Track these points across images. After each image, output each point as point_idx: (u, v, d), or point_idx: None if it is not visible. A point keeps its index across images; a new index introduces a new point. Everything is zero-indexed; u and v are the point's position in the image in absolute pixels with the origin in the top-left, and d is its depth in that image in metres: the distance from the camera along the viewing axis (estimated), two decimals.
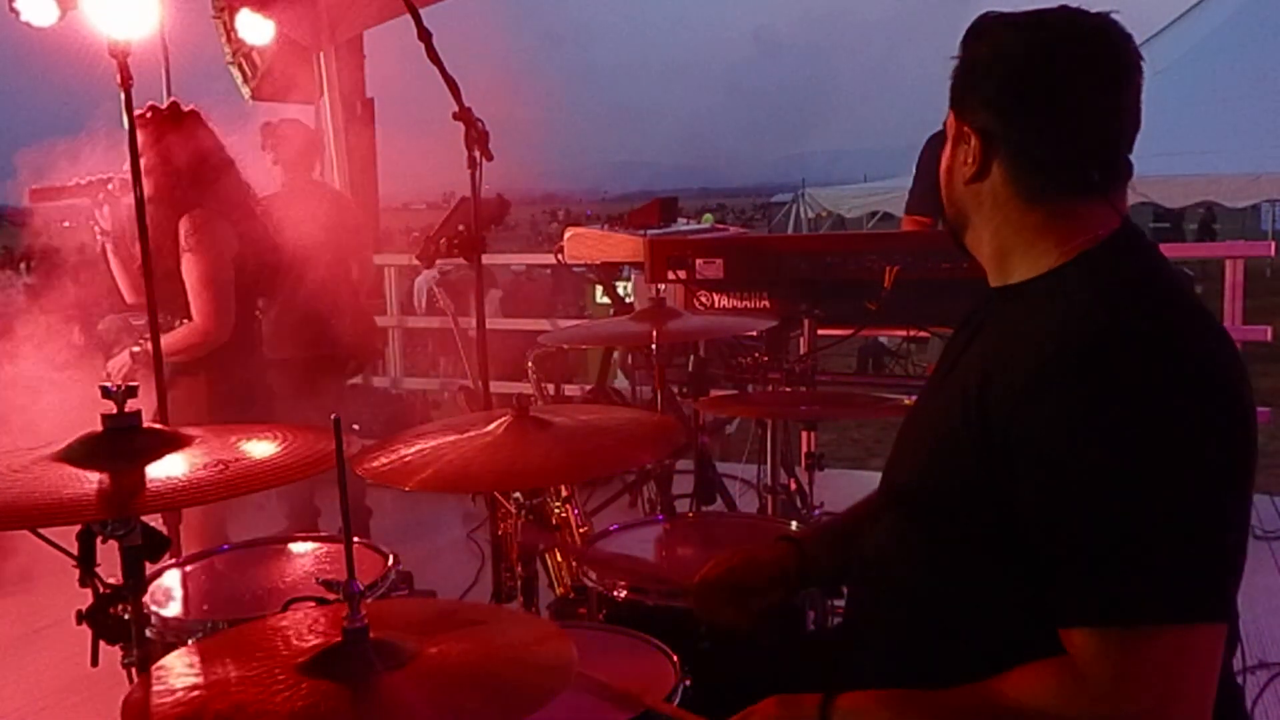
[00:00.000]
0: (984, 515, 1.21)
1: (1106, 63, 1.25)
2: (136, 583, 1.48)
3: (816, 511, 2.83)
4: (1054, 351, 1.15)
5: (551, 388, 3.40)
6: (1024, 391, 1.16)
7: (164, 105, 2.92)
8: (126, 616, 1.51)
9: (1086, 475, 1.11)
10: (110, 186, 2.86)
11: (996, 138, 1.28)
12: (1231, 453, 1.13)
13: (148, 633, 1.61)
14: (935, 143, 3.75)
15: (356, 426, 4.70)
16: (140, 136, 2.63)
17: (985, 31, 1.30)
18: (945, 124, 1.38)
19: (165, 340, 2.78)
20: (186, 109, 2.95)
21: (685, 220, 5.05)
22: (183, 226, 2.78)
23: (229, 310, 2.82)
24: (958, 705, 1.19)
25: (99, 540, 1.46)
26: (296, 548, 2.07)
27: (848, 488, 3.90)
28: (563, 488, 2.50)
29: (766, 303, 3.40)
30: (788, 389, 3.09)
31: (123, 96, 2.55)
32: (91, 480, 1.38)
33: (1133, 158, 1.30)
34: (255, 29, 4.87)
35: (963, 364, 1.34)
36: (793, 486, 3.37)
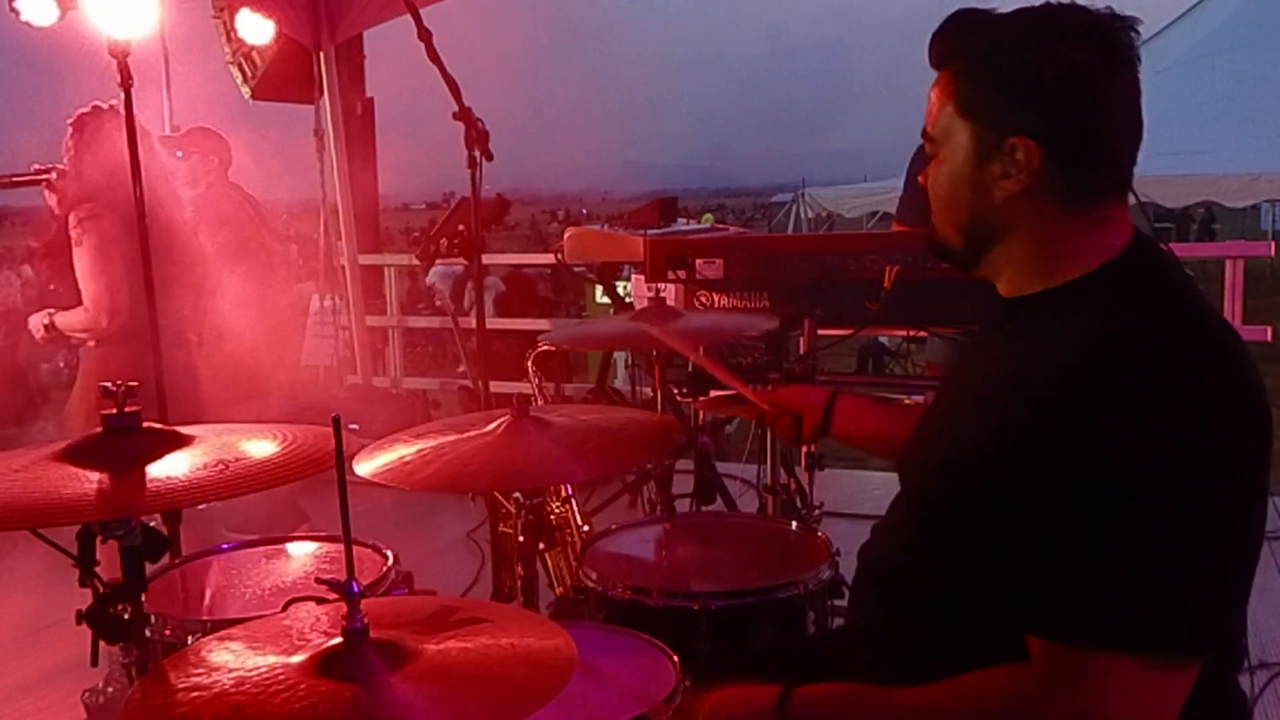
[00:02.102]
0: (995, 524, 1.20)
1: (1133, 67, 1.24)
2: (136, 583, 1.47)
3: (816, 512, 2.83)
4: (1088, 367, 1.13)
5: (551, 388, 3.41)
6: (1047, 407, 1.14)
7: (87, 110, 3.03)
8: (126, 616, 1.51)
9: (1092, 496, 1.09)
10: (52, 176, 3.04)
11: (1052, 144, 1.22)
12: (1252, 473, 1.12)
13: (148, 633, 1.61)
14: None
15: (355, 426, 4.71)
16: (66, 142, 2.91)
17: (1013, 32, 1.24)
18: (938, 138, 1.30)
19: (62, 319, 3.01)
20: (106, 106, 3.02)
21: (685, 220, 5.05)
22: (70, 221, 2.92)
23: (120, 298, 2.93)
24: (912, 703, 1.19)
25: (99, 540, 1.46)
26: (296, 548, 2.06)
27: (848, 488, 3.91)
28: (563, 488, 2.50)
29: (766, 303, 3.39)
30: None
31: (123, 96, 2.55)
32: (91, 480, 1.38)
33: None
34: (255, 29, 4.88)
35: (981, 372, 1.33)
36: (793, 486, 3.37)
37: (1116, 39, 1.22)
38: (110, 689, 1.67)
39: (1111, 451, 1.08)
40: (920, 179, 1.38)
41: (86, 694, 1.74)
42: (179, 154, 4.14)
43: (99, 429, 1.48)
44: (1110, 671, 1.07)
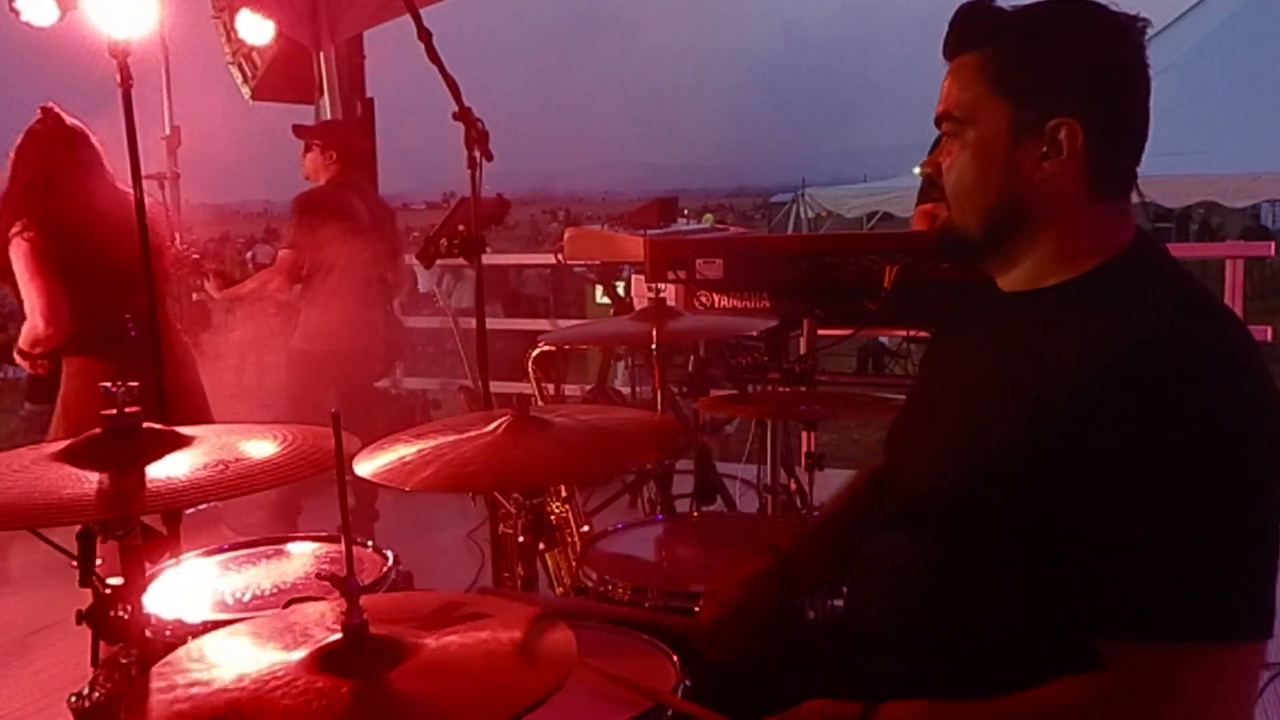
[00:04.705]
0: (1023, 526, 1.19)
1: (1148, 69, 1.26)
2: (136, 583, 1.48)
3: (816, 512, 2.83)
4: (1118, 361, 1.13)
5: (551, 388, 3.40)
6: (1083, 400, 1.13)
7: (37, 120, 3.06)
8: (126, 616, 1.51)
9: (1153, 488, 1.09)
10: None
11: (1093, 128, 1.22)
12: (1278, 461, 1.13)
13: (147, 633, 1.61)
14: None
15: None
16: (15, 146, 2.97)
17: (1054, 19, 1.25)
18: (964, 118, 1.28)
19: (21, 340, 3.05)
20: (52, 114, 3.06)
21: (685, 220, 5.06)
22: (8, 235, 2.96)
23: (57, 304, 2.97)
24: (998, 717, 1.18)
25: (99, 540, 1.46)
26: (296, 548, 2.07)
27: None
28: (563, 488, 2.50)
29: (766, 303, 3.39)
30: (788, 389, 3.08)
31: (122, 96, 2.55)
32: (91, 480, 1.38)
33: None
34: (255, 29, 4.87)
35: (988, 368, 1.31)
36: (793, 486, 3.37)
37: (1141, 39, 1.25)
38: (96, 693, 1.67)
39: (1174, 439, 1.09)
40: (924, 166, 1.35)
41: (73, 698, 1.73)
42: (304, 149, 4.08)
43: (98, 429, 1.48)
44: (1201, 662, 1.08)
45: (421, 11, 2.43)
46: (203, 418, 3.17)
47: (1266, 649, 1.11)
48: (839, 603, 1.87)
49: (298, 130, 4.14)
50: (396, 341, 4.54)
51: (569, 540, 2.52)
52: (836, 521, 1.67)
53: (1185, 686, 1.08)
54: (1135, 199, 1.32)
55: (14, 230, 2.96)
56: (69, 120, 3.06)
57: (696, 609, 1.68)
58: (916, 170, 1.39)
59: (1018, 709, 1.17)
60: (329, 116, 5.81)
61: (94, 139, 3.08)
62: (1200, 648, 1.08)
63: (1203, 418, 1.09)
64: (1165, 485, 1.09)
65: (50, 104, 3.07)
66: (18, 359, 3.15)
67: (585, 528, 2.55)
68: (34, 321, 2.98)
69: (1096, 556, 1.12)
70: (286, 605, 1.58)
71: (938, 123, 1.33)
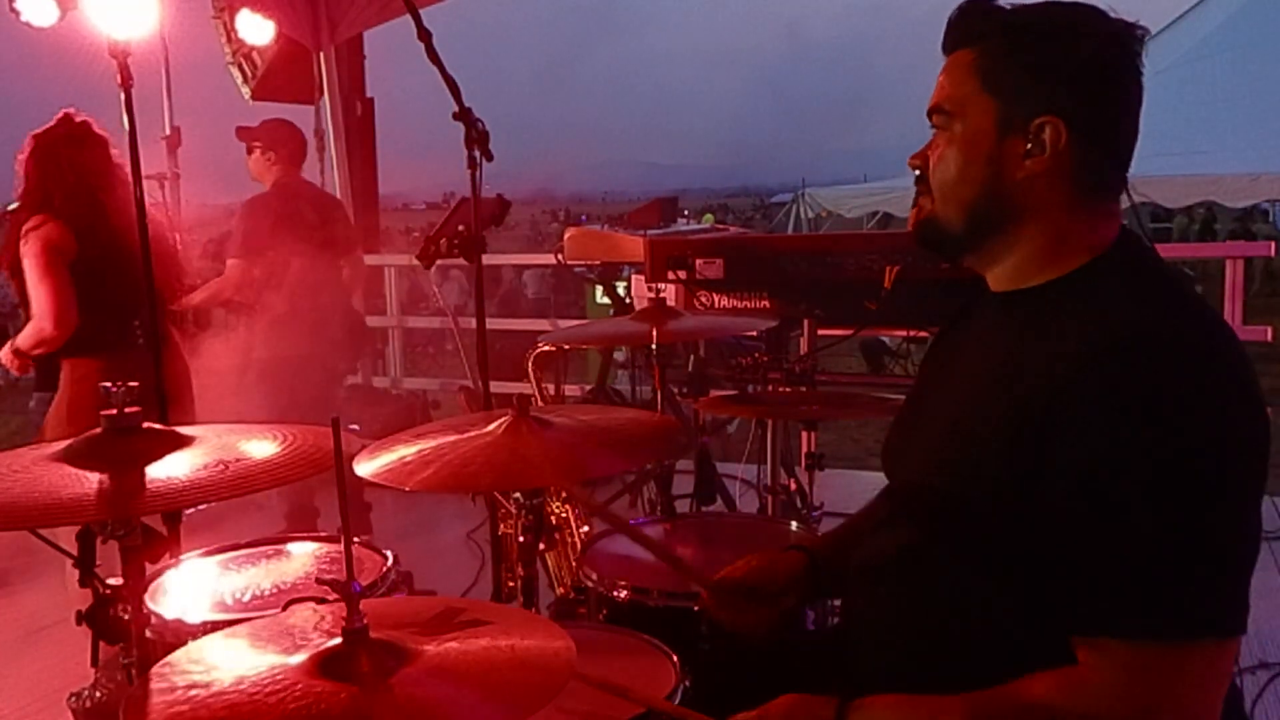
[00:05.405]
0: (1009, 525, 1.19)
1: (1141, 75, 1.26)
2: (136, 583, 1.47)
3: (816, 512, 2.83)
4: (1095, 359, 1.13)
5: (551, 388, 3.40)
6: (1064, 399, 1.13)
7: (59, 122, 3.06)
8: (126, 617, 1.51)
9: (1127, 486, 1.09)
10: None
11: (1079, 128, 1.23)
12: (1260, 462, 1.13)
13: (148, 633, 1.61)
14: None
15: (356, 426, 4.70)
16: (28, 149, 2.97)
17: (1046, 18, 1.26)
18: (953, 111, 1.30)
19: (21, 339, 3.03)
20: (78, 120, 3.07)
21: (685, 220, 5.06)
22: (21, 234, 2.96)
23: (65, 304, 2.95)
24: (972, 711, 1.18)
25: (99, 540, 1.46)
26: (296, 548, 2.07)
27: (848, 488, 3.91)
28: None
29: (766, 303, 3.40)
30: (788, 389, 3.09)
31: (123, 96, 2.56)
32: (91, 480, 1.38)
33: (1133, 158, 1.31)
34: (255, 29, 4.88)
35: (977, 367, 1.32)
36: (793, 486, 3.37)
37: (1136, 46, 1.25)
38: (98, 693, 1.67)
39: (1152, 438, 1.09)
40: (913, 161, 1.36)
41: (72, 698, 1.73)
42: (260, 144, 4.03)
43: (98, 429, 1.48)
44: (1179, 660, 1.08)
45: (422, 11, 2.43)
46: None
47: (1239, 645, 1.12)
48: (839, 603, 1.87)
49: (239, 132, 4.09)
50: (359, 337, 4.54)
51: (569, 540, 2.52)
52: (858, 529, 1.66)
53: (1161, 682, 1.09)
54: (1128, 202, 1.32)
55: (29, 225, 2.92)
56: (97, 129, 3.05)
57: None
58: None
59: (993, 702, 1.17)
60: (329, 117, 5.82)
61: (114, 149, 3.07)
62: (1179, 646, 1.08)
63: (1182, 417, 1.09)
64: (1143, 486, 1.09)
65: (72, 109, 3.06)
66: (4, 358, 3.09)
67: (585, 528, 2.55)
68: (41, 324, 2.93)
69: (1077, 554, 1.13)
70: (286, 606, 1.58)
71: (929, 116, 1.34)
